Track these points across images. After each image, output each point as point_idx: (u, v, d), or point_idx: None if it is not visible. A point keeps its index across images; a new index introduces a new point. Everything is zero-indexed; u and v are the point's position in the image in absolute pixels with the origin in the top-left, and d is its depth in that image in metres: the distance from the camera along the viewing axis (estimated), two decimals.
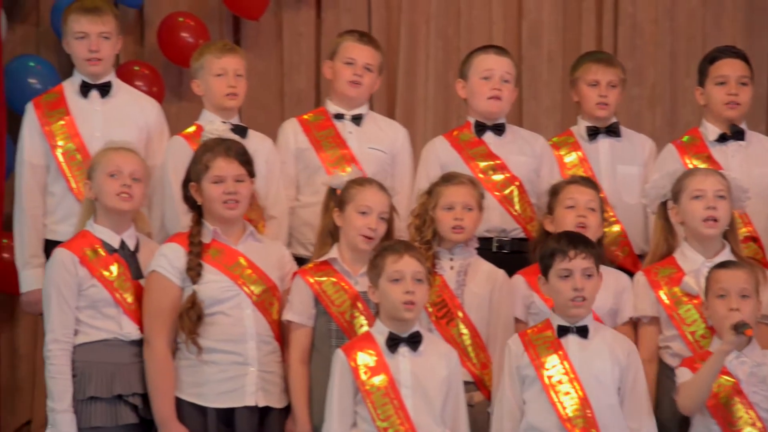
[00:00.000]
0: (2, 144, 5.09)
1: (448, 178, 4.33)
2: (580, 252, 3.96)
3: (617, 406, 3.94)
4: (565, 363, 3.94)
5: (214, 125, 4.38)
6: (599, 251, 4.09)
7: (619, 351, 3.99)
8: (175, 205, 4.41)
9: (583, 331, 3.98)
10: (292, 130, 4.75)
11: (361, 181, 4.25)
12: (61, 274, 4.05)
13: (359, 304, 4.14)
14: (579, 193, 4.31)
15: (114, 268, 4.10)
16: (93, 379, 4.02)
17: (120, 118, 4.64)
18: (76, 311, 4.05)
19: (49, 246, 4.56)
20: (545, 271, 4.01)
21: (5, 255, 5.18)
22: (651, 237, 4.44)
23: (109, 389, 4.03)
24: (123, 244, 4.15)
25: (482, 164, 4.65)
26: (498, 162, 4.66)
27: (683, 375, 4.00)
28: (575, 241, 4.00)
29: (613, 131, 4.83)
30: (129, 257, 4.14)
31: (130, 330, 4.08)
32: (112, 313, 4.08)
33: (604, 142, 4.82)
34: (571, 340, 3.98)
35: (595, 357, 3.96)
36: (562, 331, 3.98)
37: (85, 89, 4.67)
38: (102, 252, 4.10)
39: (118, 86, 4.74)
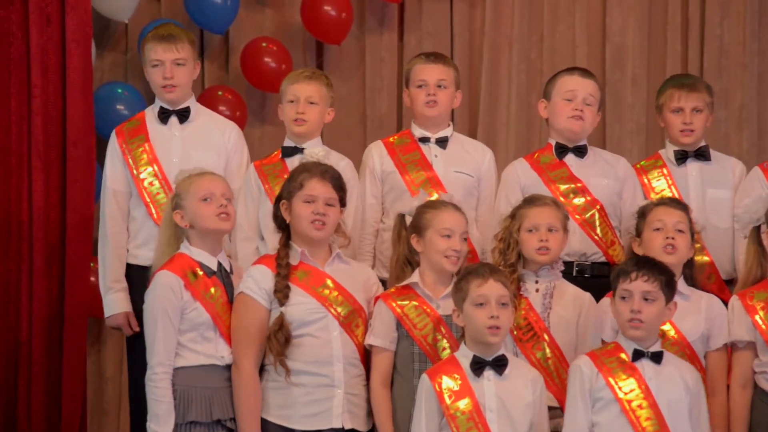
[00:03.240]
0: (92, 170, 5.17)
1: (532, 200, 4.31)
2: (642, 275, 3.92)
3: None
4: (643, 387, 3.90)
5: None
6: (670, 277, 3.99)
7: (688, 378, 3.96)
8: (236, 232, 4.49)
9: (657, 357, 3.94)
10: (378, 153, 4.76)
11: (436, 204, 4.25)
12: (168, 298, 4.05)
13: (442, 328, 4.12)
14: (667, 215, 4.26)
15: (213, 291, 4.12)
16: (193, 404, 4.03)
17: (198, 143, 4.69)
18: (178, 334, 4.06)
19: (131, 270, 4.63)
20: (615, 293, 3.99)
21: (93, 279, 5.24)
22: (743, 262, 4.36)
23: (208, 414, 4.04)
24: (220, 266, 4.17)
25: (563, 187, 4.61)
26: (579, 185, 4.62)
27: None
28: (641, 263, 3.98)
29: (702, 155, 4.77)
30: (225, 279, 4.17)
31: (225, 353, 4.10)
32: (211, 336, 4.10)
33: (693, 166, 4.76)
34: (646, 365, 3.94)
35: (669, 384, 3.92)
36: (637, 355, 3.94)
37: (164, 115, 4.72)
38: (201, 274, 4.12)
39: (198, 111, 4.78)
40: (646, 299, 3.92)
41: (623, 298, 3.93)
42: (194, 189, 4.16)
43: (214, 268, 4.15)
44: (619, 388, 3.90)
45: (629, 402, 3.89)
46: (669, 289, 3.97)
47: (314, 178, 4.16)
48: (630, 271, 3.93)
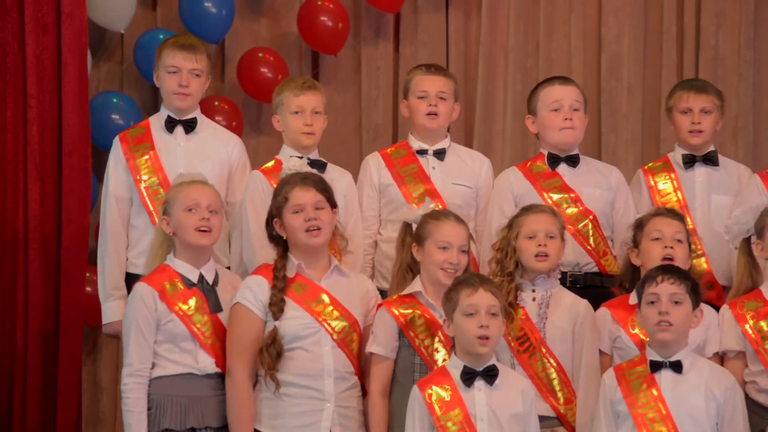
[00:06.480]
0: (88, 180, 5.18)
1: (529, 208, 4.30)
2: (668, 278, 3.91)
3: None
4: (658, 400, 3.88)
5: (292, 161, 4.40)
6: (695, 283, 3.99)
7: (715, 386, 3.92)
8: (252, 241, 4.46)
9: (676, 366, 3.92)
10: (375, 165, 4.76)
11: (438, 215, 4.24)
12: (140, 309, 4.10)
13: (443, 337, 4.10)
14: (665, 225, 4.26)
15: (192, 302, 4.14)
16: (167, 412, 4.06)
17: (202, 154, 4.69)
18: (154, 345, 4.10)
19: (131, 279, 4.62)
20: (640, 302, 3.97)
21: (89, 289, 5.25)
22: (734, 272, 4.36)
23: (182, 422, 4.06)
24: (202, 277, 4.18)
25: (556, 197, 4.61)
26: (572, 195, 4.62)
27: None
28: (666, 268, 3.97)
29: (710, 160, 4.76)
30: (208, 291, 4.18)
31: (206, 364, 4.12)
32: (189, 347, 4.11)
33: (700, 171, 4.76)
34: (665, 376, 3.92)
35: (689, 393, 3.90)
36: (655, 366, 3.92)
37: (170, 124, 4.72)
38: (180, 286, 4.14)
39: (203, 122, 4.78)
40: (675, 302, 3.91)
41: (651, 302, 3.91)
42: (181, 198, 4.18)
43: (195, 279, 4.16)
44: (634, 402, 3.89)
45: (642, 416, 3.86)
46: (695, 295, 3.95)
47: (296, 187, 4.17)
48: (656, 276, 3.92)
